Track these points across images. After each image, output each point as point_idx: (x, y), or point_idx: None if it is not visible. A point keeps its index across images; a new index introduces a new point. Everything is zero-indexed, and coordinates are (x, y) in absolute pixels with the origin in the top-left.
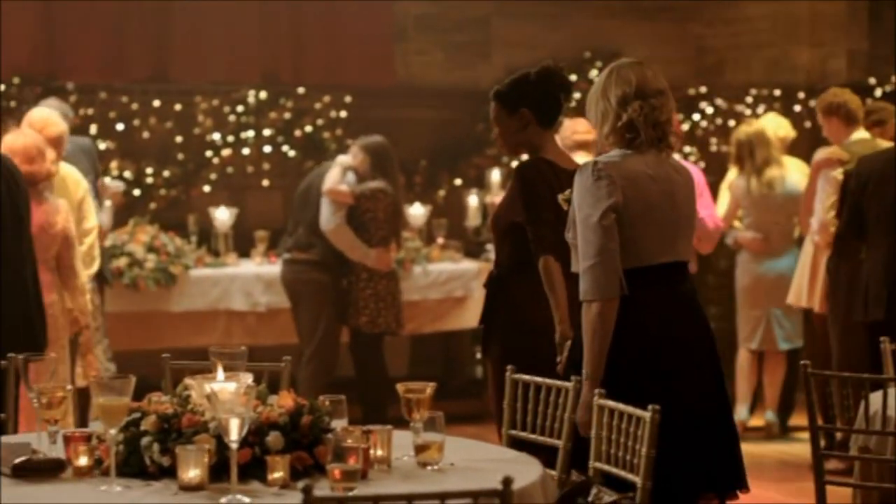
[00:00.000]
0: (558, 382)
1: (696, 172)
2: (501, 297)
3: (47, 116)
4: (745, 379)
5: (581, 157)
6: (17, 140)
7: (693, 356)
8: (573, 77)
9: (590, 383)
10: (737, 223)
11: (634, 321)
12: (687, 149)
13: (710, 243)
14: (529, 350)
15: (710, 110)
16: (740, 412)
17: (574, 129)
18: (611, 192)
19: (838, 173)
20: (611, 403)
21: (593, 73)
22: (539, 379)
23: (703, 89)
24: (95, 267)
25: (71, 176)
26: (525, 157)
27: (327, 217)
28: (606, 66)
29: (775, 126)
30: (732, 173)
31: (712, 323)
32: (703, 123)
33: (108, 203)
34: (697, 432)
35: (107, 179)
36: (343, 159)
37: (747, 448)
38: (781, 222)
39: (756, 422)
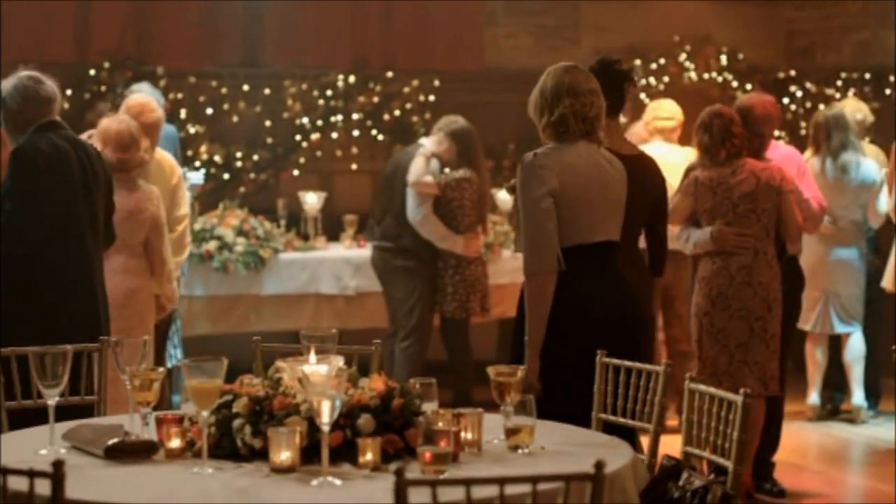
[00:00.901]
0: (648, 366)
1: (794, 154)
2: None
3: (145, 102)
4: (812, 364)
5: (660, 144)
6: (112, 126)
7: (620, 328)
8: (662, 61)
9: (532, 349)
10: None
11: (571, 293)
12: (777, 132)
13: (814, 224)
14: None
15: (799, 94)
16: (811, 397)
17: (655, 115)
18: (548, 178)
19: None
20: (702, 387)
21: (682, 56)
22: (629, 363)
23: (793, 72)
24: (186, 254)
25: (167, 162)
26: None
27: (414, 209)
28: (695, 50)
29: (853, 110)
30: (808, 155)
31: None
32: (793, 107)
33: (187, 194)
34: None
35: (188, 172)
36: (426, 147)
37: (837, 431)
38: (850, 207)
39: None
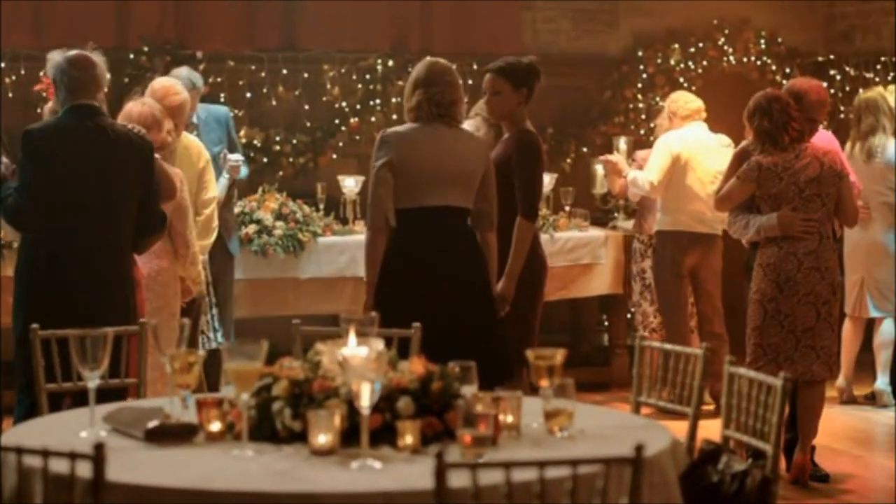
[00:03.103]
0: (688, 350)
1: (832, 139)
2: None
3: (169, 86)
4: (846, 347)
5: (698, 126)
6: (134, 108)
7: (448, 278)
8: (700, 44)
9: (368, 288)
10: None
11: (404, 246)
12: None
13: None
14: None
15: (838, 78)
16: (839, 379)
17: (685, 101)
18: (387, 152)
19: None
20: (741, 371)
21: (721, 40)
22: (669, 346)
23: (832, 56)
24: (213, 238)
25: (194, 145)
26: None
27: None
28: (734, 34)
29: (888, 94)
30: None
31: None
32: (832, 90)
33: (225, 175)
34: (449, 337)
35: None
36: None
37: (870, 415)
38: (882, 191)
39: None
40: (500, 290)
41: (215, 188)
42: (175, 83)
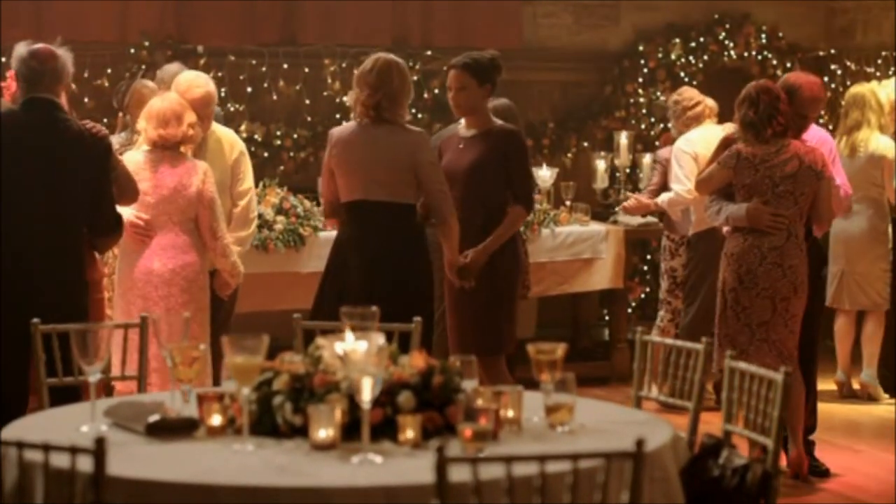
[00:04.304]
0: (689, 345)
1: (827, 138)
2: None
3: (192, 79)
4: (838, 340)
5: (706, 127)
6: (156, 104)
7: (368, 267)
8: (701, 39)
9: None
10: None
11: (344, 234)
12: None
13: (841, 212)
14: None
15: (839, 72)
16: (838, 373)
17: (684, 107)
18: (328, 150)
19: None
20: (742, 366)
21: (722, 34)
22: (669, 341)
23: (833, 51)
24: (251, 228)
25: (227, 137)
26: (460, 119)
27: None
28: (734, 28)
29: (880, 89)
30: None
31: None
32: (833, 85)
33: None
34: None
35: None
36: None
37: (871, 409)
38: (863, 185)
39: None
40: (469, 259)
41: (250, 179)
42: (199, 76)
